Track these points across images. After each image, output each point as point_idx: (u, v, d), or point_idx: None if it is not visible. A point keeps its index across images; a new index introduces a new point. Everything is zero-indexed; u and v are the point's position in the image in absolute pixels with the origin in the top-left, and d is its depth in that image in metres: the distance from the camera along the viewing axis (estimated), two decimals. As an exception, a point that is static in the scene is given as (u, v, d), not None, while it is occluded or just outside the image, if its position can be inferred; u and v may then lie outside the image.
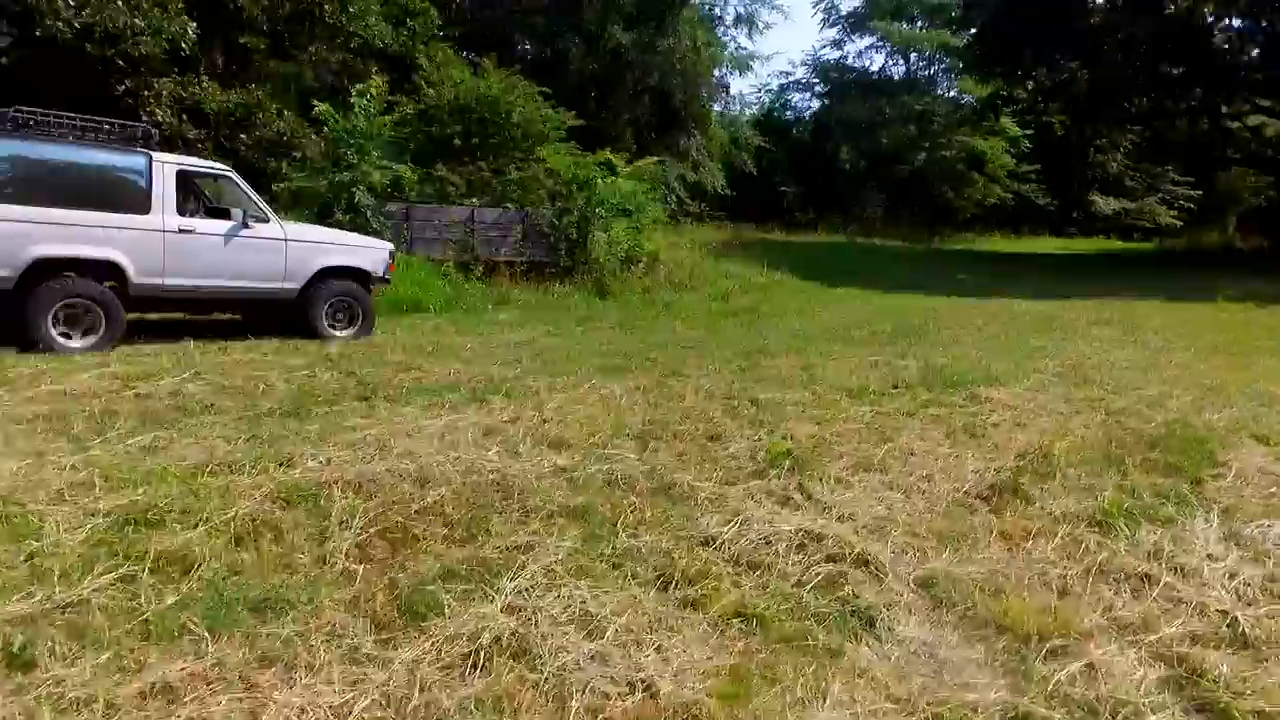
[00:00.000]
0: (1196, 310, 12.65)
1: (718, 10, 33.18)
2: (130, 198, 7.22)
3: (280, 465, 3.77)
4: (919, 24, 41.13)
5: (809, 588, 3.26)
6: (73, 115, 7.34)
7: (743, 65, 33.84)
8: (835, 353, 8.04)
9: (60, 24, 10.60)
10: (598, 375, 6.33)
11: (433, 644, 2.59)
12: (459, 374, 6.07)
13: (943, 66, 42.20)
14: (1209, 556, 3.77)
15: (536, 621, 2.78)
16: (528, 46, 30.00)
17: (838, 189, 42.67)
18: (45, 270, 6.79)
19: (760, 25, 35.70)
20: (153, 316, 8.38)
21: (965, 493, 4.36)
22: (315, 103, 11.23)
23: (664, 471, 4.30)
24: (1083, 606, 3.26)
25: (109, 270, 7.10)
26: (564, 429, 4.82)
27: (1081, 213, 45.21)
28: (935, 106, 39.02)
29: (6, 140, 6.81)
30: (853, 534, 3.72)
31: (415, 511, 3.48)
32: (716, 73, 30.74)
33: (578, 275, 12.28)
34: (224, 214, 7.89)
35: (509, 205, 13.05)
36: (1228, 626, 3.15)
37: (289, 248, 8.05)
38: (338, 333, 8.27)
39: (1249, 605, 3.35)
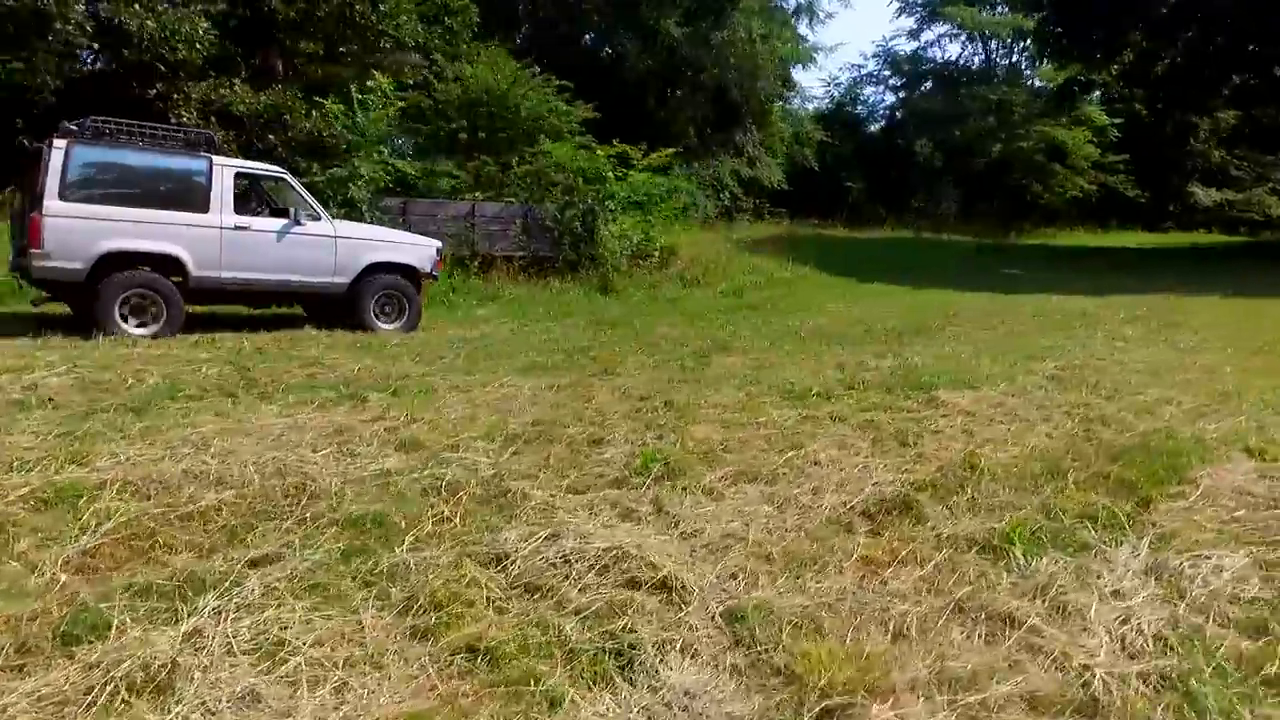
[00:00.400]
0: (1259, 307, 11.33)
1: (777, 1, 32.17)
2: (192, 197, 7.81)
3: (70, 464, 3.55)
4: (998, 9, 39.02)
5: (582, 616, 2.80)
6: (143, 124, 8.20)
7: (804, 58, 32.72)
8: (811, 351, 7.45)
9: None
10: (519, 373, 5.96)
11: (66, 675, 2.27)
12: (365, 371, 5.82)
13: (1025, 55, 39.95)
14: (1114, 594, 3.12)
15: (211, 650, 2.43)
16: (588, 45, 29.86)
17: (910, 184, 40.99)
18: (114, 263, 7.39)
19: (821, 15, 34.64)
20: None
21: (850, 508, 3.80)
22: (321, 100, 11.25)
23: (508, 477, 3.90)
24: (911, 654, 2.69)
25: (171, 264, 7.65)
26: (430, 430, 4.48)
27: (1179, 205, 42.12)
28: (1014, 96, 36.84)
29: (84, 147, 7.46)
30: (673, 555, 3.23)
31: (180, 516, 3.19)
32: (777, 66, 29.77)
33: (583, 270, 11.92)
34: (285, 213, 8.40)
35: (512, 200, 12.81)
36: (1082, 686, 2.53)
37: (339, 244, 8.48)
38: (385, 325, 8.65)
39: (1131, 659, 2.72)
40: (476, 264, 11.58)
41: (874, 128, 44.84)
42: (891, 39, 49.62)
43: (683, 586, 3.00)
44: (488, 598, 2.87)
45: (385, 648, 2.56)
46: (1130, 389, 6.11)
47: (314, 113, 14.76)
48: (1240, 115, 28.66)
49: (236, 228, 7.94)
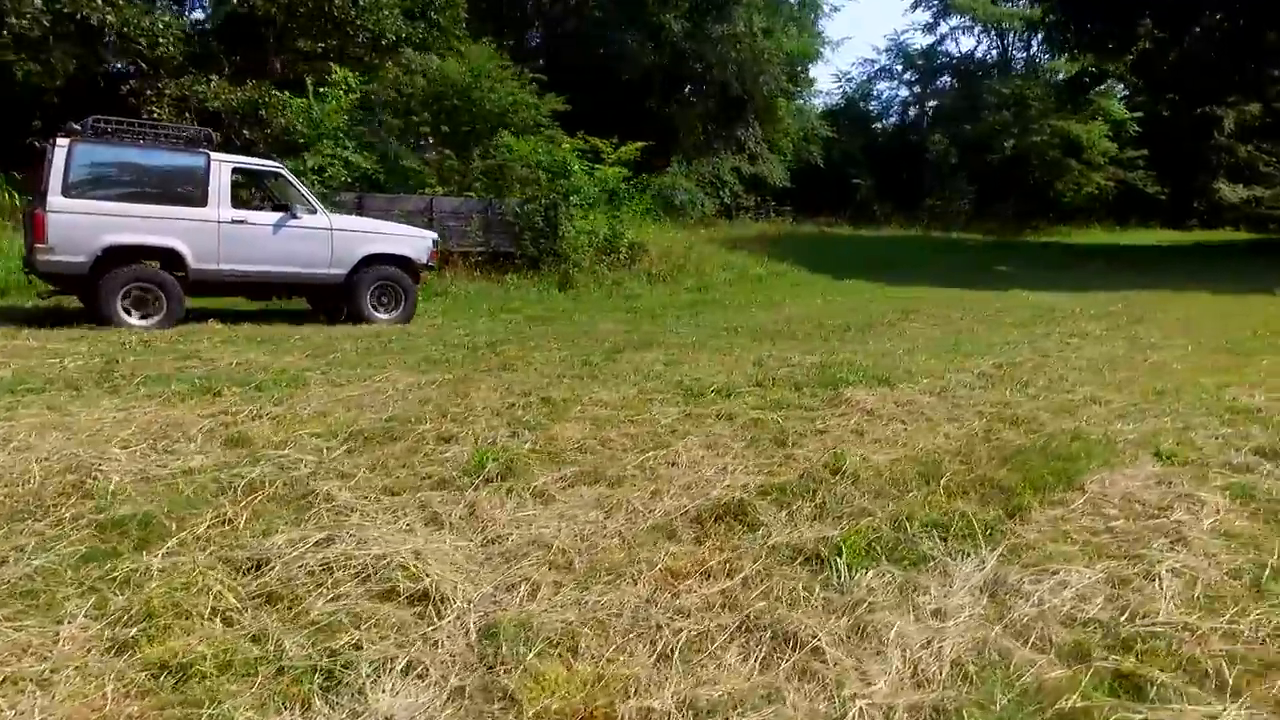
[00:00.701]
0: (1241, 304, 10.80)
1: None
2: (191, 193, 8.00)
3: None
4: (1011, 1, 38.11)
5: (312, 630, 2.54)
6: (144, 122, 8.53)
7: (811, 53, 32.11)
8: (740, 346, 7.16)
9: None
10: (407, 368, 5.73)
11: None
12: (243, 365, 5.61)
13: (1042, 48, 38.95)
14: (934, 613, 2.81)
15: None
16: (593, 41, 29.59)
17: (923, 181, 40.18)
18: (115, 257, 7.62)
19: (826, 8, 34.04)
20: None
21: (685, 514, 3.51)
22: (275, 93, 11.11)
23: (323, 477, 3.66)
24: (666, 678, 2.41)
25: (171, 257, 7.86)
26: (271, 427, 4.25)
27: (1204, 202, 40.90)
28: (1029, 90, 35.91)
29: (86, 145, 7.67)
30: (456, 563, 2.97)
31: (-71, 514, 2.99)
32: (782, 62, 29.24)
33: (546, 267, 11.66)
34: (284, 207, 8.59)
35: (471, 194, 12.57)
36: (836, 720, 2.23)
37: (334, 236, 8.63)
38: (382, 316, 8.82)
39: (917, 688, 2.41)
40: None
41: (886, 123, 44.17)
42: (904, 33, 48.85)
43: (443, 599, 2.73)
44: (215, 608, 2.62)
45: (70, 662, 2.33)
46: (1062, 387, 5.74)
47: (287, 108, 14.69)
48: (1262, 107, 27.63)
49: (234, 221, 8.12)
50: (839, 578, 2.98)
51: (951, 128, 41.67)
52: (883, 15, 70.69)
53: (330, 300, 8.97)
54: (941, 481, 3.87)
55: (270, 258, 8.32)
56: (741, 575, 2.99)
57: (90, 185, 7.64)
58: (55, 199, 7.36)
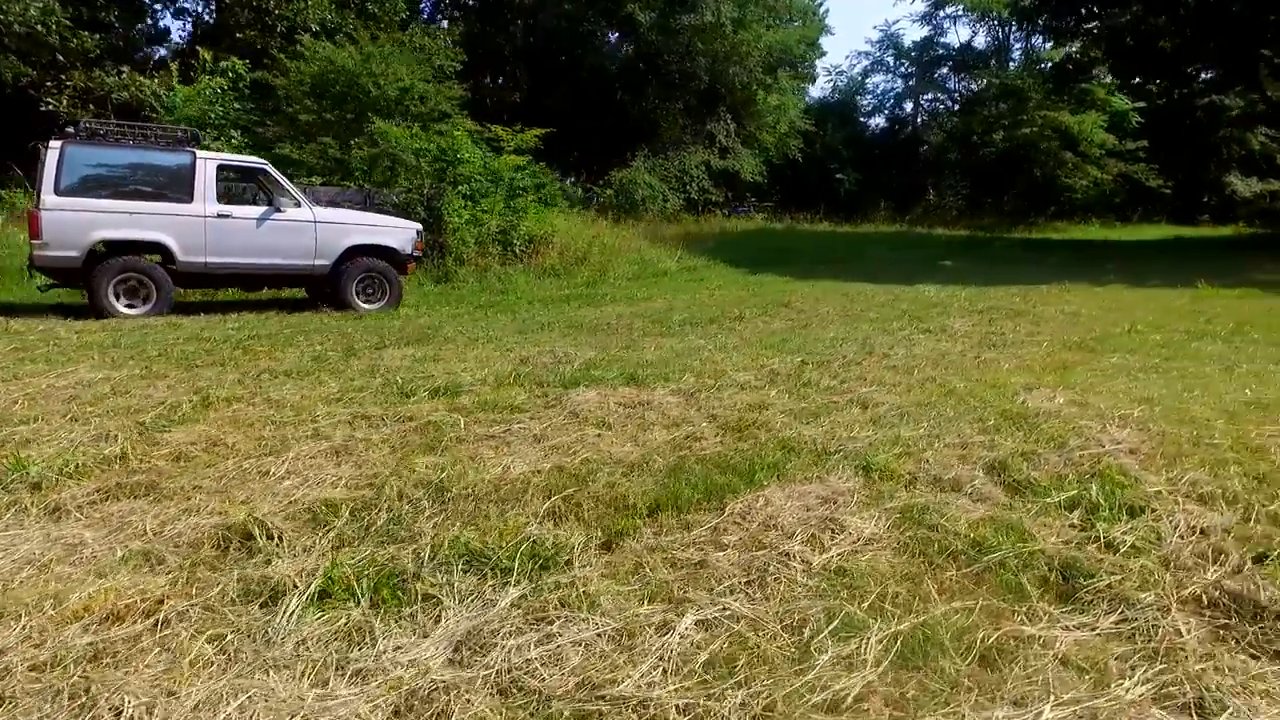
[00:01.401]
0: (1153, 297, 9.97)
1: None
2: (177, 189, 8.37)
3: None
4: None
5: None
6: (135, 125, 9.00)
7: (794, 48, 31.17)
8: (533, 342, 6.56)
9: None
10: (106, 365, 5.18)
11: None
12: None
13: (1035, 38, 37.57)
14: (357, 674, 2.19)
15: None
16: (561, 35, 29.02)
17: (915, 176, 39.09)
18: (106, 251, 8.11)
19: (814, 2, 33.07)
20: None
21: (188, 536, 2.91)
22: (140, 84, 10.64)
23: None
24: None
25: (159, 250, 8.28)
26: None
27: (1215, 196, 39.26)
28: (1023, 81, 34.61)
29: (78, 147, 8.08)
30: None
31: None
32: (761, 54, 28.41)
33: (428, 259, 11.05)
34: (270, 201, 8.91)
35: (349, 184, 12.02)
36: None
37: (318, 229, 8.94)
38: (368, 305, 9.15)
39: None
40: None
41: (878, 118, 43.04)
42: (895, 23, 47.59)
43: None
44: None
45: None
46: (844, 389, 5.04)
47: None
48: (1260, 95, 26.20)
49: (219, 216, 8.45)
50: (284, 619, 2.37)
51: (945, 121, 40.54)
52: (878, 8, 68.32)
53: (319, 290, 9.30)
54: (563, 497, 3.24)
55: (255, 250, 8.62)
56: (157, 618, 2.38)
57: (82, 184, 8.06)
58: (48, 198, 7.78)
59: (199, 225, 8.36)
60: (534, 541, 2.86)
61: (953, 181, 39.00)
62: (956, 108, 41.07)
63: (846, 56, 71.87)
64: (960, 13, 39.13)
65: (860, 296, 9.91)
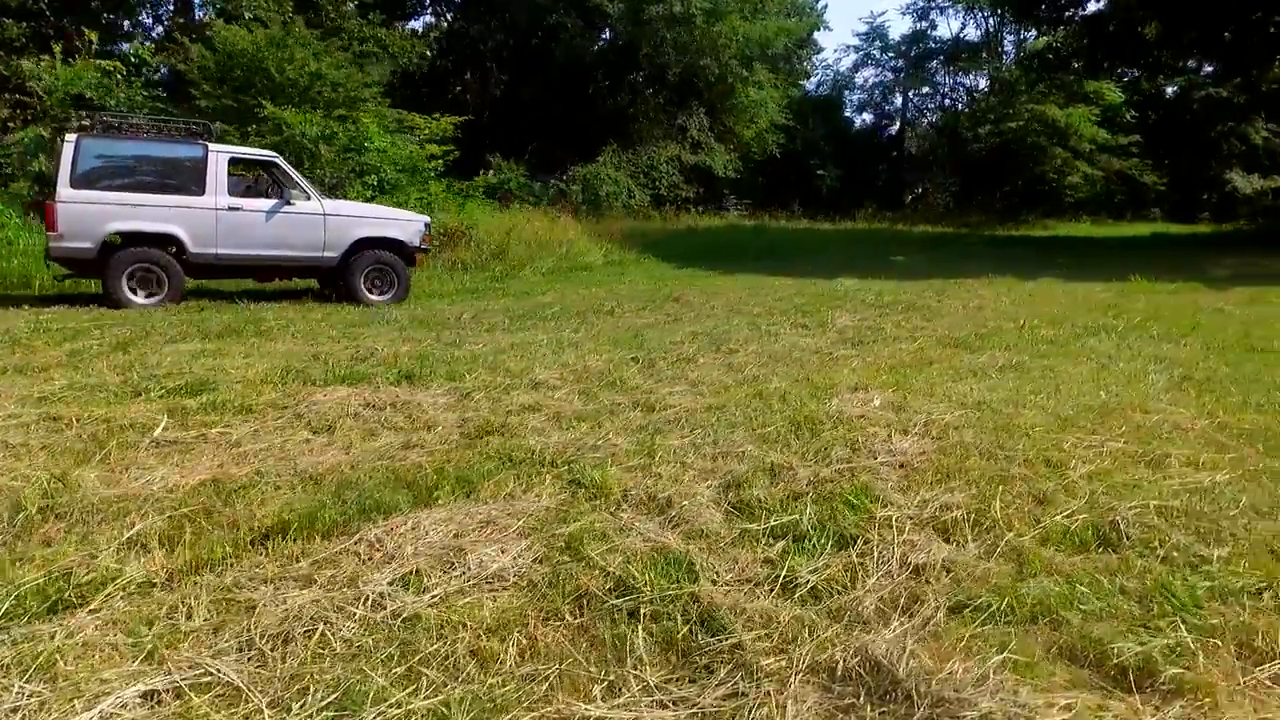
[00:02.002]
0: (1072, 291, 9.32)
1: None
2: (189, 182, 8.41)
3: None
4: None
5: None
6: (149, 118, 9.21)
7: (772, 40, 30.42)
8: (353, 336, 6.06)
9: None
10: None
11: None
12: None
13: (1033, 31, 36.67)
14: None
15: None
16: (526, 26, 28.31)
17: (901, 172, 38.32)
18: (120, 242, 8.12)
19: (801, -2, 32.30)
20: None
21: None
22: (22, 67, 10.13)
23: None
24: None
25: (170, 242, 8.29)
26: None
27: (1215, 194, 38.16)
28: (1011, 74, 33.65)
29: (93, 140, 8.13)
30: None
31: None
32: (738, 46, 27.70)
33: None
34: (281, 194, 8.92)
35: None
36: None
37: (327, 221, 8.94)
38: (376, 297, 9.11)
39: None
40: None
41: (865, 115, 42.17)
42: (882, 14, 46.67)
43: None
44: None
45: None
46: (657, 390, 4.47)
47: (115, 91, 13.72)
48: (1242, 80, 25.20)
49: (230, 208, 8.48)
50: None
51: (933, 117, 39.68)
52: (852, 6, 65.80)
53: (329, 281, 9.37)
54: (179, 516, 2.70)
55: (265, 242, 8.67)
56: None
57: (96, 177, 8.10)
58: (64, 190, 7.83)
59: (210, 217, 8.41)
60: (66, 576, 2.31)
61: (942, 178, 38.16)
62: (946, 102, 40.32)
63: (835, 50, 70.39)
64: (948, 3, 38.26)
65: (766, 290, 9.32)
